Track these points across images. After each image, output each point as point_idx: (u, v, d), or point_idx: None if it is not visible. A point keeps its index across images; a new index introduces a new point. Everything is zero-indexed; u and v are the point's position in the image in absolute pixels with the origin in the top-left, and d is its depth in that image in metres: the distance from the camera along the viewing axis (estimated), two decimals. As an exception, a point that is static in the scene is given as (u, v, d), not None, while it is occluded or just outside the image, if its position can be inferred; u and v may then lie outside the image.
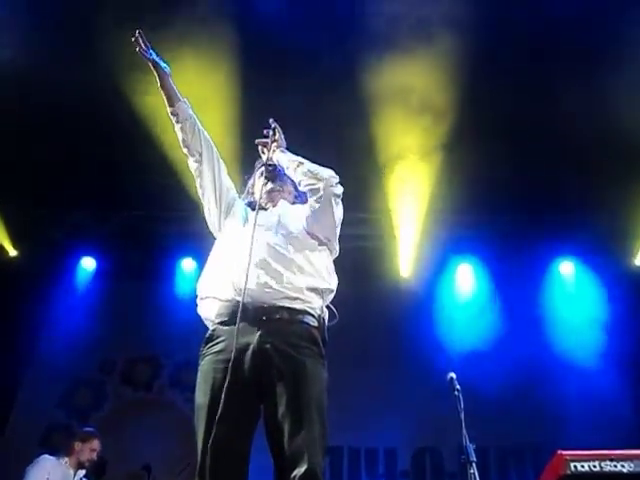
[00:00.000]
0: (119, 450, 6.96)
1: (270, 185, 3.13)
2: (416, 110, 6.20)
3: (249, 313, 2.60)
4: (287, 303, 2.66)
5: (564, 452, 2.83)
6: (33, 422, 7.65)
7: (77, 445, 5.47)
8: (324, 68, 6.01)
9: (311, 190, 2.93)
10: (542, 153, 6.83)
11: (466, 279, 8.44)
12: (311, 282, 2.76)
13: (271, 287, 2.67)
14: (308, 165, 3.00)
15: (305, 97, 6.05)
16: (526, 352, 7.65)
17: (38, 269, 8.04)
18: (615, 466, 2.76)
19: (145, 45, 3.00)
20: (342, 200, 3.01)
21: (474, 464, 3.31)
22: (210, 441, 2.43)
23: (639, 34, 5.64)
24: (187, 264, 8.37)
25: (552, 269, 8.41)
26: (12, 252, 8.01)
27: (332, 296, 2.89)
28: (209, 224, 3.15)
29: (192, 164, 3.10)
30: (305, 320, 2.69)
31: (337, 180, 2.97)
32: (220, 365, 2.59)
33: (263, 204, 3.07)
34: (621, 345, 7.58)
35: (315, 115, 6.18)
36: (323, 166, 3.02)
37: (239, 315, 2.56)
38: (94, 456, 5.51)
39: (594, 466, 2.77)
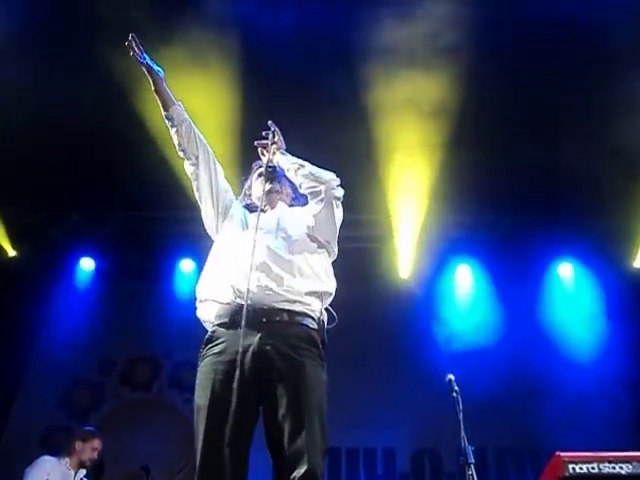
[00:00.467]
0: (118, 450, 6.96)
1: (269, 186, 3.11)
2: (415, 111, 6.19)
3: (249, 315, 2.61)
4: (287, 306, 2.68)
5: (562, 454, 2.84)
6: (32, 423, 7.65)
7: (78, 445, 5.45)
8: (324, 71, 6.02)
9: (312, 193, 2.94)
10: (542, 155, 6.83)
11: (465, 280, 8.45)
12: (310, 285, 2.77)
13: (271, 290, 2.69)
14: (309, 168, 3.00)
15: (305, 99, 6.06)
16: (525, 353, 7.67)
17: (37, 269, 8.03)
18: (614, 468, 2.77)
19: (139, 49, 2.98)
20: (342, 201, 3.03)
21: (472, 466, 3.32)
22: (210, 442, 2.44)
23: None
24: (186, 264, 8.37)
25: (551, 271, 8.42)
26: (11, 252, 8.00)
27: (331, 299, 2.90)
28: (206, 227, 3.14)
29: (188, 167, 3.10)
30: (305, 322, 2.70)
31: (338, 182, 2.98)
32: (220, 366, 2.60)
33: (262, 206, 3.07)
34: (620, 347, 7.58)
35: (314, 116, 6.18)
36: (323, 168, 3.03)
37: (244, 316, 2.56)
38: (95, 455, 5.50)
39: (592, 468, 2.78)
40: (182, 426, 7.32)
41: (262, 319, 2.64)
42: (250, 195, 3.25)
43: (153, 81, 3.02)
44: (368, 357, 7.76)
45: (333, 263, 3.05)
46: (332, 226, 2.98)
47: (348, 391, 6.68)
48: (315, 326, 2.73)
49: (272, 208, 3.11)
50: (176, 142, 3.07)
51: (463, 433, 3.44)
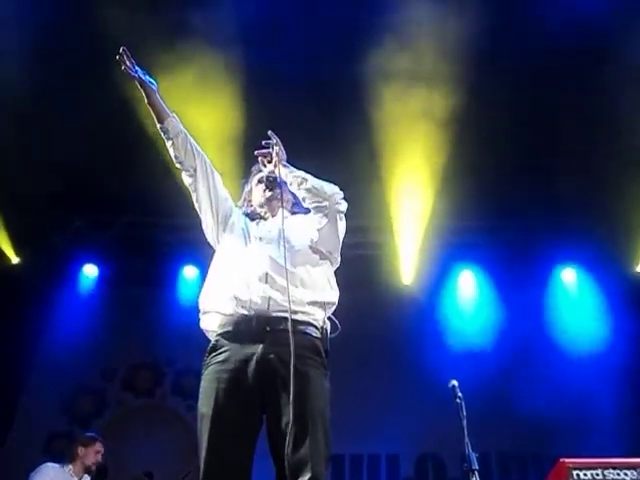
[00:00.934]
0: (121, 456, 6.97)
1: (269, 193, 3.08)
2: (418, 119, 6.20)
3: (253, 325, 2.62)
4: (290, 315, 2.67)
5: (567, 460, 2.83)
6: (35, 429, 7.65)
7: (80, 450, 5.45)
8: (327, 78, 6.03)
9: (316, 208, 2.90)
10: (544, 161, 6.83)
11: (468, 286, 8.44)
12: (313, 296, 2.77)
13: (275, 300, 2.68)
14: (312, 181, 2.93)
15: (308, 107, 6.08)
16: (528, 358, 7.65)
17: (40, 276, 8.03)
18: (618, 474, 2.76)
19: (130, 62, 2.92)
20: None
21: (476, 472, 3.30)
22: (213, 450, 2.46)
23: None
24: (189, 271, 8.38)
25: (554, 276, 8.41)
26: (14, 259, 8.00)
27: (334, 308, 2.89)
28: (207, 237, 3.11)
29: (186, 179, 3.05)
30: (308, 331, 2.70)
31: (341, 196, 2.94)
32: (224, 375, 2.60)
33: (262, 214, 3.06)
34: (623, 352, 7.56)
35: (318, 125, 6.20)
36: (326, 175, 3.01)
37: (247, 325, 2.56)
38: (99, 458, 5.51)
39: (597, 474, 2.77)
40: (185, 432, 7.32)
41: (265, 328, 2.64)
42: (250, 201, 3.22)
43: (146, 94, 2.96)
44: (371, 363, 7.76)
45: (336, 270, 3.03)
46: (335, 239, 2.96)
47: (351, 397, 6.67)
48: (318, 335, 2.73)
49: (273, 216, 3.09)
50: (172, 154, 3.02)
51: (467, 439, 3.42)
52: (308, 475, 2.40)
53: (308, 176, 2.96)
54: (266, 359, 2.59)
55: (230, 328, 2.69)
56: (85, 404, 8.09)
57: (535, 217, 7.81)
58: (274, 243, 2.88)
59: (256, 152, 3.13)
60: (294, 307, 2.67)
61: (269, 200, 3.09)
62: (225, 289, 2.77)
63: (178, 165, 3.05)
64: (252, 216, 3.10)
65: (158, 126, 3.00)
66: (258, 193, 3.15)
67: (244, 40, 5.60)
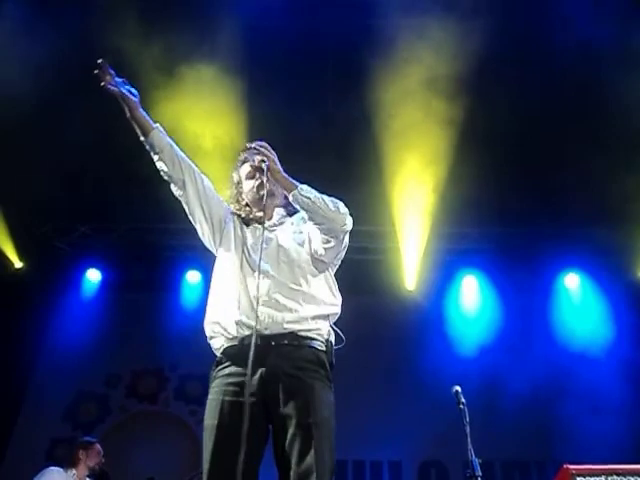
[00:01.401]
0: (124, 462, 6.96)
1: (262, 191, 2.91)
2: (423, 124, 6.21)
3: (257, 341, 2.60)
4: (294, 329, 2.68)
5: (570, 466, 2.82)
6: (38, 435, 7.64)
7: (82, 454, 5.48)
8: (330, 81, 6.05)
9: (323, 230, 2.82)
10: (548, 167, 6.84)
11: (471, 292, 8.43)
12: (316, 310, 2.76)
13: (278, 319, 2.68)
14: (318, 203, 2.78)
15: (311, 111, 6.09)
16: (531, 364, 7.63)
17: (44, 281, 8.05)
18: (621, 481, 2.76)
19: (109, 75, 2.80)
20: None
21: (479, 479, 3.30)
22: (215, 462, 2.48)
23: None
24: (192, 276, 8.39)
25: (557, 282, 8.40)
26: (18, 264, 8.02)
27: (337, 316, 2.88)
28: (205, 244, 3.08)
29: (176, 191, 3.00)
30: (312, 345, 2.70)
31: (348, 216, 2.86)
32: (230, 388, 2.62)
33: (257, 218, 2.99)
34: (627, 358, 7.55)
35: (321, 129, 6.21)
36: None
37: (252, 342, 2.54)
38: (101, 457, 5.56)
39: (600, 481, 2.77)
40: (188, 437, 7.33)
41: (270, 342, 2.65)
42: (242, 197, 3.11)
43: (128, 108, 2.86)
44: (374, 369, 7.75)
45: (338, 276, 3.01)
46: (341, 252, 2.95)
47: (354, 403, 6.66)
48: (323, 348, 2.73)
49: (269, 218, 3.03)
50: (159, 167, 2.96)
51: (470, 446, 3.42)
52: None
53: (311, 194, 2.81)
54: (271, 372, 2.60)
55: (235, 343, 2.70)
56: (88, 410, 8.07)
57: (538, 223, 7.81)
58: (273, 258, 2.84)
59: (256, 162, 2.98)
60: (298, 324, 2.68)
61: (261, 200, 2.96)
62: (227, 314, 2.75)
63: (166, 178, 2.99)
64: (246, 221, 3.04)
65: (142, 139, 2.94)
66: (248, 189, 3.07)
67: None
